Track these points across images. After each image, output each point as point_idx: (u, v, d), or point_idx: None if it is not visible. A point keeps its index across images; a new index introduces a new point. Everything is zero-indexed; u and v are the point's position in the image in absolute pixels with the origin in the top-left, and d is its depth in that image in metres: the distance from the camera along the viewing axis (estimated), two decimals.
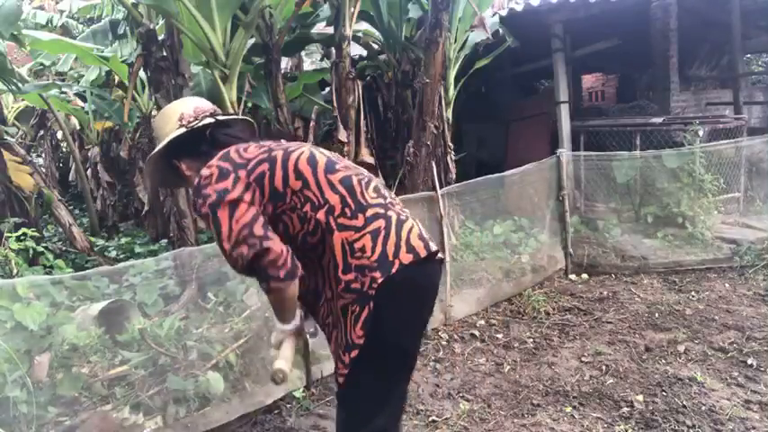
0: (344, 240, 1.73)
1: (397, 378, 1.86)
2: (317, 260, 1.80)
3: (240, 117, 2.18)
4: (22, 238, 3.90)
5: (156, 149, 1.97)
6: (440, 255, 1.88)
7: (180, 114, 1.96)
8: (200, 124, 1.93)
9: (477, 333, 4.07)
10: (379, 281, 1.68)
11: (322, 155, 1.87)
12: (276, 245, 1.69)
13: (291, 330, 1.91)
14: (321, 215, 1.74)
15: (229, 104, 4.32)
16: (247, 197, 1.73)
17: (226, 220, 1.70)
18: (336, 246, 1.73)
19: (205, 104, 2.05)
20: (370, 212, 1.76)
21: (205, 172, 1.78)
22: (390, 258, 1.71)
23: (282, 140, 1.98)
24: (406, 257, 1.72)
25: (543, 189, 5.36)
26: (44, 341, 2.71)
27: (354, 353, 1.72)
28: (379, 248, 1.71)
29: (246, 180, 1.75)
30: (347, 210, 1.75)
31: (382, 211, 1.78)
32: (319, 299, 1.84)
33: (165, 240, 5.74)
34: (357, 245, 1.72)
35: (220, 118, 2.00)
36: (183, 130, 1.92)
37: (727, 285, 4.77)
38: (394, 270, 1.69)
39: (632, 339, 3.83)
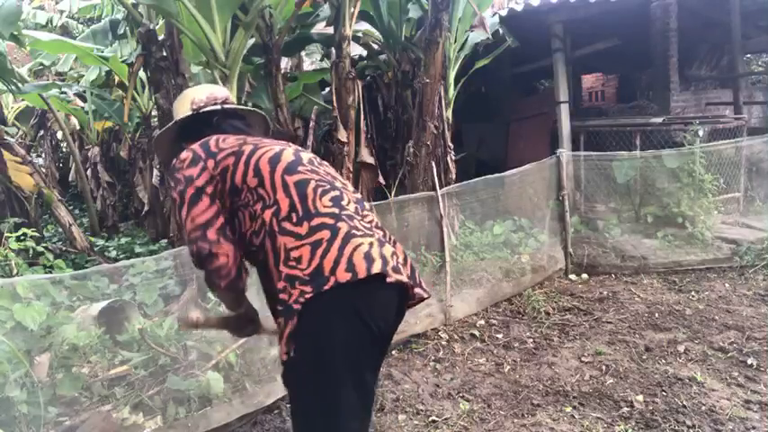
0: (283, 245, 1.62)
1: (340, 403, 1.59)
2: (264, 264, 1.72)
3: (252, 109, 2.21)
4: (22, 238, 3.90)
5: (164, 129, 2.08)
6: (398, 278, 1.61)
7: (192, 99, 2.05)
8: (204, 110, 2.00)
9: (477, 333, 4.07)
10: (308, 296, 1.53)
11: (291, 155, 1.79)
12: (224, 255, 1.71)
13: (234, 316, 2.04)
14: (267, 215, 1.68)
15: None
16: (209, 189, 1.75)
17: (186, 212, 1.74)
18: (275, 250, 1.65)
19: (220, 93, 2.10)
20: (316, 221, 1.63)
21: (182, 155, 1.81)
22: (326, 274, 1.54)
23: (274, 139, 1.97)
24: (344, 276, 1.54)
25: (543, 189, 5.36)
26: (44, 341, 2.72)
27: (282, 370, 1.67)
28: (315, 261, 1.56)
29: (212, 172, 1.76)
30: (293, 215, 1.65)
31: (331, 221, 1.64)
32: (274, 302, 1.71)
33: (165, 240, 5.74)
34: (294, 254, 1.59)
35: (228, 107, 2.05)
36: (190, 113, 2.01)
37: (727, 285, 4.77)
38: (327, 287, 1.53)
39: (632, 339, 3.83)
